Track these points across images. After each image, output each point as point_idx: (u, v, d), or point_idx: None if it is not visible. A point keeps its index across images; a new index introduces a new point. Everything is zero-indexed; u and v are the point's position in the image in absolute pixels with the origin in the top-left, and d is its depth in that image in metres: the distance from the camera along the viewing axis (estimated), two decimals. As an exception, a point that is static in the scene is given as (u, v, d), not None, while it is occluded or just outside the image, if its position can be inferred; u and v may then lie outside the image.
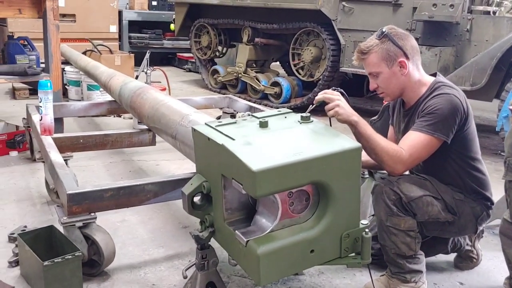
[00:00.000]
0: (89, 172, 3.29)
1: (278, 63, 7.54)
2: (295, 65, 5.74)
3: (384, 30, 2.02)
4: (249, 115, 1.97)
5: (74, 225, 1.98)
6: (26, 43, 3.81)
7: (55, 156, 2.37)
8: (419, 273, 2.02)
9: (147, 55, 4.76)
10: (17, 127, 3.78)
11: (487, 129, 5.17)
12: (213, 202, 1.78)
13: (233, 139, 1.64)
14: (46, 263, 1.82)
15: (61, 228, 2.04)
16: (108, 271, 2.11)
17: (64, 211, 2.00)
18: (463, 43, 4.25)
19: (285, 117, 1.90)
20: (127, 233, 2.48)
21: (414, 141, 1.95)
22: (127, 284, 2.05)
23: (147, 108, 2.85)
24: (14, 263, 2.12)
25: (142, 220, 2.64)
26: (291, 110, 1.99)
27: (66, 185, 2.00)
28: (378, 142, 1.96)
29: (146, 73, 4.59)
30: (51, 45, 3.52)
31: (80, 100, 5.39)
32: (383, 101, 2.60)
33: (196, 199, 1.83)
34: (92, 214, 2.01)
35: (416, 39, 4.39)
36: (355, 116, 1.98)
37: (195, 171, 1.93)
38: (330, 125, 1.97)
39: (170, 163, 3.59)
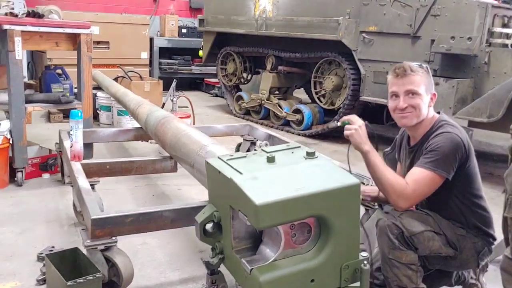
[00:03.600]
0: (115, 196, 3.49)
1: (302, 89, 7.68)
2: (316, 93, 5.88)
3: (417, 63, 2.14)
4: (261, 148, 2.13)
5: (97, 248, 2.15)
6: (61, 72, 4.08)
7: (82, 181, 2.56)
8: None
9: (174, 84, 4.99)
10: (50, 150, 4.03)
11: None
12: (223, 230, 1.92)
13: (241, 173, 1.78)
14: (69, 283, 1.98)
15: (85, 250, 2.21)
16: (126, 292, 2.26)
17: (88, 234, 2.17)
18: (481, 75, 4.31)
19: (292, 152, 2.03)
20: (146, 256, 2.63)
21: (418, 177, 2.04)
22: (143, 305, 2.20)
23: (170, 136, 3.03)
24: (42, 282, 2.30)
25: (161, 243, 2.79)
26: (299, 145, 2.11)
27: (90, 210, 2.18)
28: (384, 174, 2.07)
29: (172, 100, 4.81)
30: (84, 75, 3.78)
31: (110, 125, 5.68)
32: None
33: (208, 226, 1.97)
34: (114, 238, 2.18)
35: (434, 70, 4.53)
36: (367, 146, 2.11)
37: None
38: (348, 150, 2.11)
39: (192, 188, 3.75)
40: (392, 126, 6.42)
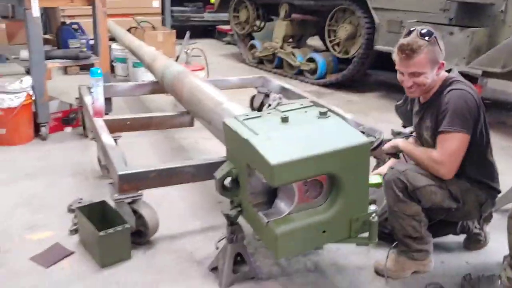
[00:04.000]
0: (136, 149, 3.62)
1: (316, 36, 7.59)
2: (330, 42, 5.85)
3: (425, 29, 2.08)
4: (275, 106, 2.23)
5: (124, 201, 2.31)
6: (77, 27, 4.13)
7: (106, 138, 2.70)
8: (425, 252, 2.24)
9: (187, 35, 5.00)
10: (70, 105, 4.16)
11: None
12: (240, 186, 2.06)
13: (257, 134, 1.89)
14: (101, 233, 2.17)
15: (112, 203, 2.39)
16: (152, 241, 2.45)
17: (115, 188, 2.34)
18: (497, 24, 4.25)
19: (306, 112, 2.12)
20: (168, 207, 2.80)
21: (444, 143, 2.10)
22: (168, 252, 2.38)
23: (186, 92, 3.13)
24: (74, 232, 2.49)
25: (182, 195, 2.95)
26: (313, 104, 2.19)
27: (117, 166, 2.33)
28: (416, 155, 2.19)
29: (186, 52, 4.85)
30: (99, 30, 3.83)
31: (126, 76, 5.76)
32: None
33: (227, 182, 2.11)
34: (139, 191, 2.34)
35: (450, 19, 4.46)
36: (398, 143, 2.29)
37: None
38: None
39: (207, 141, 3.87)
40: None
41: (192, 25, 9.07)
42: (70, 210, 2.70)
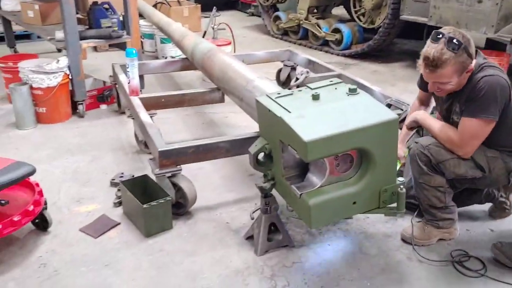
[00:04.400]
0: (169, 125, 3.78)
1: (342, 9, 7.53)
2: (356, 12, 5.82)
3: (456, 39, 2.03)
4: (303, 80, 2.32)
5: (164, 175, 2.47)
6: (108, 7, 4.24)
7: (145, 116, 2.85)
8: (450, 221, 2.35)
9: (214, 11, 5.06)
10: (104, 82, 4.33)
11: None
12: (273, 160, 2.18)
13: (289, 112, 2.00)
14: (145, 206, 2.34)
15: (153, 177, 2.55)
16: (191, 211, 2.62)
17: (156, 164, 2.49)
18: (527, -9, 4.19)
19: (336, 89, 2.20)
20: (204, 179, 2.96)
21: (466, 127, 2.15)
22: (206, 222, 2.55)
23: (217, 70, 3.24)
24: (118, 204, 2.68)
25: (215, 168, 3.10)
26: (342, 81, 2.27)
27: (157, 143, 2.48)
28: (434, 132, 2.26)
29: (213, 28, 4.93)
30: (130, 10, 3.95)
31: (154, 52, 5.89)
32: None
33: (260, 156, 2.24)
34: (178, 166, 2.49)
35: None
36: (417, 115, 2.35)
37: (257, 129, 2.34)
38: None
39: (237, 115, 4.00)
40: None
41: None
42: (113, 184, 2.88)
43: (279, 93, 2.19)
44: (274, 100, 2.12)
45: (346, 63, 5.80)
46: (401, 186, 2.05)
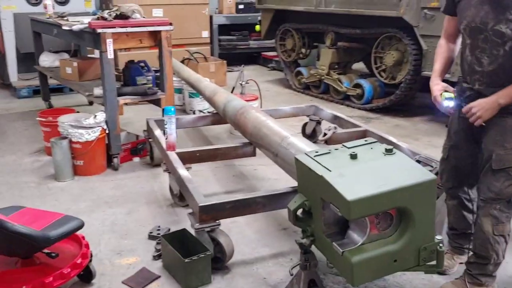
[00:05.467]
0: (201, 177, 3.89)
1: (361, 63, 7.76)
2: (377, 68, 6.01)
3: None
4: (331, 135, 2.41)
5: (204, 230, 2.55)
6: (144, 65, 4.48)
7: (183, 171, 2.96)
8: (493, 278, 2.36)
9: (242, 68, 5.29)
10: (137, 136, 4.50)
11: None
12: (313, 217, 2.25)
13: (330, 170, 2.09)
14: (186, 260, 2.40)
15: (191, 231, 2.63)
16: (228, 266, 2.67)
17: (195, 218, 2.58)
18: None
19: (372, 148, 2.30)
20: (238, 233, 3.02)
21: None
22: (244, 277, 2.60)
23: (250, 127, 3.37)
24: (157, 257, 2.74)
25: (248, 222, 3.17)
26: (376, 140, 2.37)
27: (197, 198, 2.58)
28: None
29: (241, 84, 5.13)
30: (166, 68, 4.16)
31: (182, 106, 6.10)
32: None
33: (299, 212, 2.31)
34: (217, 221, 2.57)
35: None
36: (493, 102, 2.15)
37: (291, 182, 2.42)
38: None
39: (266, 168, 4.10)
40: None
41: (238, 52, 9.47)
42: (151, 237, 2.96)
43: (317, 152, 2.29)
44: (313, 158, 2.22)
45: (367, 117, 5.93)
46: (440, 244, 2.10)
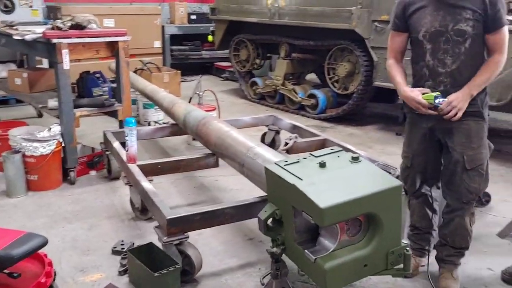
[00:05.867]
0: (160, 190, 3.81)
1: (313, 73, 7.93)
2: (330, 79, 6.17)
3: None
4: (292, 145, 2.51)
5: (172, 243, 2.51)
6: (99, 76, 4.38)
7: (146, 184, 2.91)
8: None
9: (199, 79, 5.28)
10: (92, 149, 4.37)
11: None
12: (284, 225, 2.28)
13: (301, 179, 2.13)
14: (156, 274, 2.36)
15: (158, 244, 2.58)
16: (196, 278, 2.64)
17: (163, 232, 2.54)
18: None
19: (338, 156, 2.36)
20: (204, 245, 3.00)
21: (502, 40, 2.29)
22: (213, 289, 2.58)
23: (214, 137, 3.37)
24: (123, 272, 2.67)
25: (214, 233, 3.15)
26: (342, 149, 2.44)
27: (164, 211, 2.54)
28: (488, 79, 2.32)
29: (199, 95, 5.12)
30: (123, 79, 4.08)
31: (136, 117, 5.99)
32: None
33: (269, 222, 2.33)
34: (185, 234, 2.54)
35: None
36: (467, 94, 2.31)
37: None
38: None
39: (227, 178, 4.10)
40: (400, 106, 6.73)
41: (190, 62, 9.43)
42: (115, 252, 2.88)
43: (286, 161, 2.33)
44: (283, 168, 2.26)
45: (322, 126, 6.07)
46: (407, 248, 2.19)
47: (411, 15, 2.43)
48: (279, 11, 6.43)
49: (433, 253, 2.71)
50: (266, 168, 2.32)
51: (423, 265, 2.72)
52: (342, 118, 6.23)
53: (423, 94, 2.40)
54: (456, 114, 2.32)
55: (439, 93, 2.37)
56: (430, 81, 2.43)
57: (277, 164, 2.31)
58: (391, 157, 4.83)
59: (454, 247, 2.58)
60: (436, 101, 2.34)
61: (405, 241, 2.20)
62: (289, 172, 2.20)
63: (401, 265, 2.19)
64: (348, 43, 5.75)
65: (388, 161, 3.69)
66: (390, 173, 3.20)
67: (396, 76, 2.52)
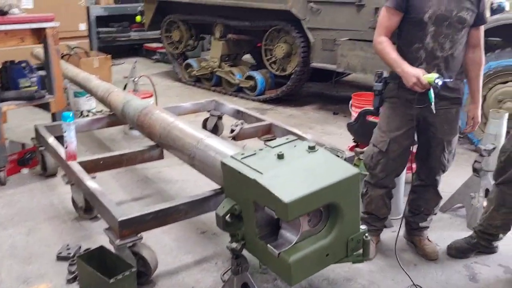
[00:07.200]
0: (104, 185, 3.57)
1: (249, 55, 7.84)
2: (268, 60, 6.13)
3: None
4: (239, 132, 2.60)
5: (126, 245, 2.39)
6: (25, 65, 4.03)
7: (92, 183, 2.74)
8: None
9: (134, 65, 5.03)
10: (22, 145, 4.05)
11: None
12: (244, 221, 2.22)
13: (261, 173, 2.08)
14: (111, 280, 2.23)
15: (108, 246, 2.44)
16: (152, 279, 2.54)
17: (115, 234, 2.40)
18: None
19: (295, 146, 2.33)
20: (156, 243, 2.87)
21: (483, 36, 2.55)
22: (171, 288, 2.49)
23: (158, 129, 3.21)
24: (72, 280, 2.51)
25: (164, 230, 3.00)
26: (297, 138, 2.41)
27: (115, 213, 2.40)
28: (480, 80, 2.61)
29: (134, 81, 4.88)
30: (53, 68, 3.79)
31: (67, 106, 5.63)
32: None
33: (227, 217, 2.27)
34: (139, 235, 2.42)
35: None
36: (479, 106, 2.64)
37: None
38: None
39: (171, 169, 3.97)
40: (336, 82, 6.85)
41: (118, 45, 9.00)
42: (61, 258, 2.70)
43: (243, 154, 2.27)
44: (240, 161, 2.19)
45: (262, 108, 6.05)
46: (366, 234, 2.22)
47: None
48: (213, -10, 6.25)
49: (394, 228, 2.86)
50: (223, 163, 2.25)
51: (377, 243, 2.82)
52: (281, 99, 6.23)
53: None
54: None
55: (439, 75, 2.37)
56: (424, 64, 2.45)
57: (234, 158, 2.24)
58: (332, 137, 4.93)
59: (428, 214, 2.83)
60: (436, 81, 2.33)
61: (363, 227, 2.23)
62: (248, 165, 2.15)
63: (361, 251, 2.24)
64: (284, 24, 5.72)
65: (329, 141, 3.75)
66: (339, 156, 3.26)
67: (391, 52, 2.45)
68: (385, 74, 2.62)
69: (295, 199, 1.91)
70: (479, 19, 2.47)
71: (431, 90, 2.37)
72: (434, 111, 2.38)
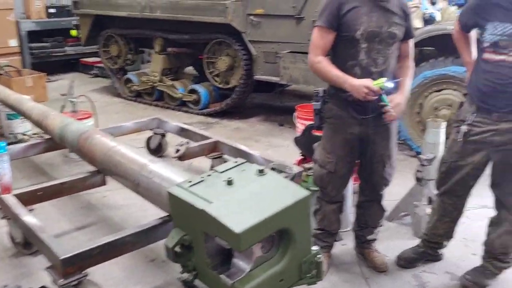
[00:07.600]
0: (43, 215, 3.40)
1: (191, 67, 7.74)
2: (210, 73, 6.07)
3: None
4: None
5: (70, 284, 2.25)
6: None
7: (29, 218, 2.57)
8: None
9: (72, 84, 4.81)
10: None
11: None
12: (195, 251, 2.16)
13: (210, 202, 2.02)
14: (56, 325, 2.09)
15: (51, 285, 2.30)
16: (101, 316, 2.41)
17: (58, 273, 2.26)
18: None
19: (243, 170, 2.29)
20: (103, 275, 2.74)
21: (412, 48, 2.68)
22: (122, 325, 2.38)
23: (99, 155, 3.08)
24: (11, 324, 2.34)
25: (113, 260, 2.89)
26: (245, 161, 2.37)
27: (56, 250, 2.26)
28: (411, 81, 2.69)
29: (72, 101, 4.68)
30: (-19, 94, 3.54)
31: (-1, 129, 5.31)
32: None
33: (177, 248, 2.20)
34: (84, 271, 2.30)
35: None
36: (405, 97, 2.59)
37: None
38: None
39: (115, 194, 3.80)
40: (280, 93, 6.90)
41: (54, 60, 8.62)
42: (-2, 301, 2.51)
43: (190, 181, 2.20)
44: (188, 190, 2.13)
45: (207, 122, 5.98)
46: (318, 255, 2.22)
47: (345, 14, 2.44)
48: (150, 4, 6.11)
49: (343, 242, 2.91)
50: (170, 193, 2.17)
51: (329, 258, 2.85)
52: (225, 112, 6.19)
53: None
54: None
55: (386, 78, 2.42)
56: None
57: (180, 186, 2.17)
58: (279, 149, 4.95)
59: (374, 227, 2.90)
60: (386, 84, 2.38)
61: (315, 247, 2.23)
62: (196, 194, 2.09)
63: (314, 271, 2.23)
64: (225, 37, 5.69)
65: (277, 154, 3.75)
66: (286, 172, 3.26)
67: (332, 70, 2.46)
68: (321, 93, 2.65)
69: (247, 229, 1.88)
70: (407, 34, 2.58)
71: (383, 95, 2.43)
72: (393, 113, 2.46)
